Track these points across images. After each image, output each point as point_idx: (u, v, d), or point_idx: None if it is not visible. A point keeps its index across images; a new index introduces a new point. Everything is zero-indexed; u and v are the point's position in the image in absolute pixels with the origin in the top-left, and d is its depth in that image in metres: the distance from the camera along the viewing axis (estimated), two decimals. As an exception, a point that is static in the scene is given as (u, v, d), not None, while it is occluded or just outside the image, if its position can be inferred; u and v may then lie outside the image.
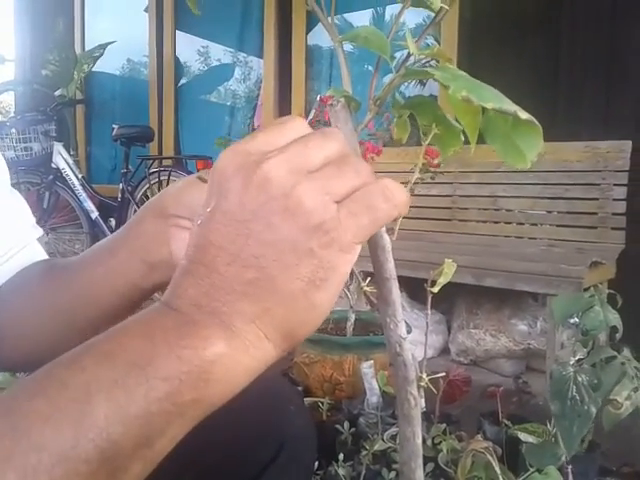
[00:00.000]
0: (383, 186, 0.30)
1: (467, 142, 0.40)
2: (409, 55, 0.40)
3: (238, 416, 0.59)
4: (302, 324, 0.30)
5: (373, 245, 0.40)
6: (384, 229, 0.40)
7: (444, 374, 0.44)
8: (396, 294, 0.41)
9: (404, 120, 0.47)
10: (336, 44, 0.44)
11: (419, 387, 0.44)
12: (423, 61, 0.42)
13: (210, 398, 0.28)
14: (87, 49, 4.49)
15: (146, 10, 4.29)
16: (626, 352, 1.03)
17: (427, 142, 0.44)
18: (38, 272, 0.59)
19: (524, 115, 0.32)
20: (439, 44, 2.82)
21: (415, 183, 0.50)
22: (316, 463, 1.04)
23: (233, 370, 0.29)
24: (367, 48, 0.42)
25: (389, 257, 0.41)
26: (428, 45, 3.15)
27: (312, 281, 0.29)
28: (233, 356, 0.28)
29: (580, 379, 0.83)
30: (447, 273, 0.46)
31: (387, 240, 0.40)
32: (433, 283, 0.46)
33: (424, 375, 0.45)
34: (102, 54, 4.24)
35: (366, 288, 0.43)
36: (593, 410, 0.81)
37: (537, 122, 0.32)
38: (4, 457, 0.25)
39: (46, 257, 0.64)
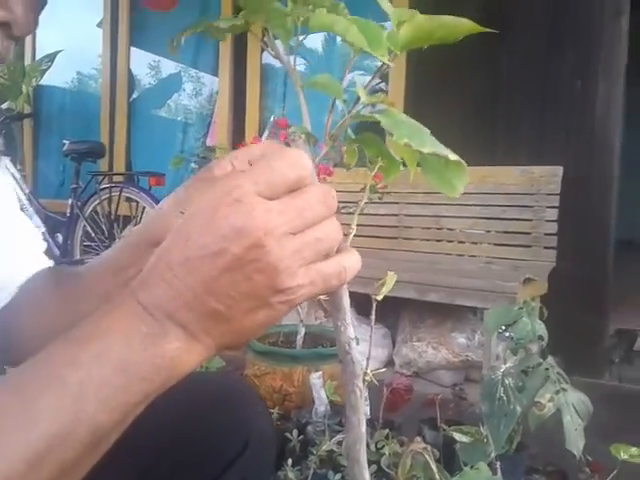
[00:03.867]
0: (342, 267, 0.39)
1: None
2: (359, 99, 0.48)
3: (206, 416, 0.65)
4: (238, 343, 0.39)
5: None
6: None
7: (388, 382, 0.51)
8: (346, 300, 0.48)
9: (354, 150, 0.56)
10: (297, 88, 0.51)
11: (364, 381, 0.51)
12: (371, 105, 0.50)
13: (167, 386, 0.37)
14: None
15: (99, 25, 4.28)
16: (550, 360, 1.14)
17: (374, 172, 0.52)
18: (46, 280, 0.66)
19: (453, 157, 0.41)
20: (387, 82, 2.95)
21: (364, 203, 0.58)
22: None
23: (185, 366, 0.37)
24: (324, 93, 0.50)
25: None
26: (378, 85, 3.29)
27: (261, 323, 0.38)
28: (189, 359, 0.37)
29: (507, 382, 0.93)
30: (389, 284, 0.55)
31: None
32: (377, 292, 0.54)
33: (369, 370, 0.52)
34: (50, 66, 4.19)
35: (320, 297, 0.50)
36: (518, 409, 0.91)
37: (464, 162, 0.41)
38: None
39: (50, 264, 0.70)
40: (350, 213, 0.54)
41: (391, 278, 0.56)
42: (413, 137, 0.41)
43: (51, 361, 0.36)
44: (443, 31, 0.47)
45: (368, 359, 0.56)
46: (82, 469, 0.36)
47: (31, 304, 0.64)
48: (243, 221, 0.35)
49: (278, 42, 0.52)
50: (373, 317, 0.54)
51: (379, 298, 0.55)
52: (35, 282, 0.66)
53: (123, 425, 0.37)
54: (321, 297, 0.49)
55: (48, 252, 0.73)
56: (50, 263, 0.71)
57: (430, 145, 0.41)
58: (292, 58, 0.53)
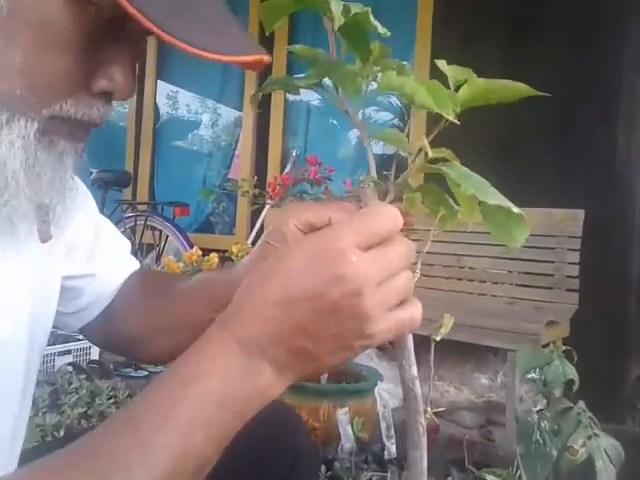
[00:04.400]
0: (413, 316, 0.43)
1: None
2: (420, 151, 0.51)
3: (257, 436, 0.68)
4: (315, 376, 0.44)
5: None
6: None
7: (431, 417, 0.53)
8: (410, 341, 0.51)
9: (412, 199, 0.59)
10: (365, 142, 0.55)
11: (425, 418, 0.54)
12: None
13: (249, 416, 0.40)
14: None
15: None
16: (581, 404, 1.15)
17: (437, 220, 0.55)
18: (137, 281, 0.76)
19: (516, 210, 0.45)
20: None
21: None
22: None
23: (270, 398, 0.41)
24: (392, 145, 0.54)
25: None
26: (391, 104, 3.36)
27: (338, 359, 0.41)
28: (275, 392, 0.41)
29: (543, 425, 0.94)
30: (447, 325, 0.58)
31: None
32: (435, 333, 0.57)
33: (429, 409, 0.54)
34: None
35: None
36: (554, 453, 0.92)
37: (524, 215, 0.45)
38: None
39: (138, 265, 0.79)
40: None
41: (448, 320, 0.59)
42: (479, 190, 0.45)
43: (162, 400, 0.39)
44: (500, 94, 0.51)
45: (428, 397, 0.58)
46: None
47: (127, 303, 0.73)
48: (345, 269, 0.38)
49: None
50: (432, 357, 0.57)
51: (437, 339, 0.57)
52: (129, 282, 0.75)
53: (220, 454, 0.40)
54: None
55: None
56: (138, 264, 0.79)
57: (494, 197, 0.45)
58: (360, 113, 0.57)
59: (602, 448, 1.05)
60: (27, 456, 0.69)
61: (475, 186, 0.46)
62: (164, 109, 4.42)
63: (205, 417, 0.38)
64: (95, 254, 0.73)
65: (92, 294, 0.73)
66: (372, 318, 0.39)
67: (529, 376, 1.47)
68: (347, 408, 1.53)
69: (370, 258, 0.39)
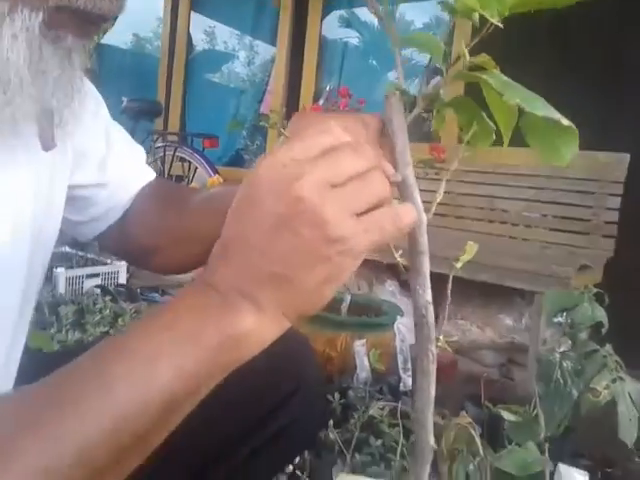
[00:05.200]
0: (394, 213, 0.39)
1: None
2: (458, 58, 0.46)
3: (258, 361, 0.68)
4: (311, 307, 0.39)
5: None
6: (422, 208, 0.47)
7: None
8: (426, 266, 0.48)
9: (442, 115, 0.54)
10: (394, 45, 0.50)
11: (437, 346, 0.51)
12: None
13: (241, 359, 0.38)
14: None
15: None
16: (608, 347, 1.11)
17: (467, 138, 0.51)
18: (154, 191, 0.76)
19: (566, 122, 0.40)
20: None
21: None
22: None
23: (258, 338, 0.38)
24: (422, 51, 0.48)
25: (424, 233, 0.47)
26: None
27: (325, 280, 0.38)
28: (259, 329, 0.38)
29: (565, 365, 0.91)
30: (470, 252, 0.54)
31: (424, 218, 0.47)
32: (456, 261, 0.53)
33: (441, 337, 0.52)
34: (114, 24, 4.24)
35: (399, 259, 0.50)
36: (575, 393, 0.89)
37: (575, 128, 0.40)
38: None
39: (154, 175, 0.79)
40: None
41: (471, 247, 0.55)
42: (526, 99, 0.40)
43: (126, 336, 0.38)
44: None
45: (440, 325, 0.55)
46: (156, 439, 0.37)
47: (140, 213, 0.73)
48: (277, 178, 0.36)
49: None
50: (450, 285, 0.54)
51: (458, 266, 0.54)
52: (143, 193, 0.74)
53: (197, 397, 0.37)
54: (399, 260, 0.48)
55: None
56: (154, 174, 0.78)
57: (542, 108, 0.40)
58: (390, 16, 0.51)
59: (626, 392, 1.02)
60: (41, 360, 0.69)
61: (521, 95, 0.41)
62: (197, 41, 4.32)
63: (172, 349, 0.36)
64: (107, 163, 0.71)
65: (105, 204, 0.72)
66: (331, 219, 0.36)
67: (555, 320, 1.44)
68: (365, 340, 1.53)
69: (309, 165, 0.36)
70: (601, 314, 1.09)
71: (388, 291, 2.32)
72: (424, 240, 0.47)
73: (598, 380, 1.00)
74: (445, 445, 1.04)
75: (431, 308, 0.50)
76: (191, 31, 4.27)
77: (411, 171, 0.47)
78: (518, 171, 2.51)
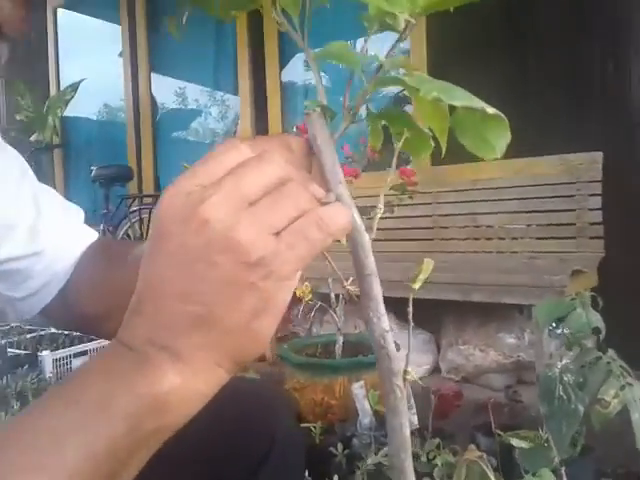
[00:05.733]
0: (317, 217, 0.33)
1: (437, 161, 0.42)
2: (380, 67, 0.42)
3: (232, 415, 0.61)
4: (248, 349, 0.33)
5: (353, 243, 0.42)
6: (363, 227, 0.42)
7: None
8: (377, 289, 0.42)
9: (378, 129, 0.49)
10: (310, 60, 0.45)
11: (404, 380, 0.44)
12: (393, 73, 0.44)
13: (169, 425, 0.32)
14: (62, 94, 4.53)
15: (120, 55, 4.35)
16: (611, 353, 1.05)
17: (399, 146, 0.46)
18: (95, 253, 0.69)
19: (491, 110, 0.34)
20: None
21: (395, 205, 0.52)
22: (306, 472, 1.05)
23: (187, 396, 0.32)
24: (338, 63, 0.44)
25: (369, 254, 0.42)
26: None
27: (254, 313, 0.32)
28: (186, 385, 0.32)
29: (566, 379, 0.84)
30: (425, 270, 0.48)
31: (367, 238, 0.42)
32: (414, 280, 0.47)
33: (409, 369, 0.45)
34: (74, 96, 4.26)
35: (349, 287, 0.44)
36: (581, 408, 0.82)
37: (503, 115, 0.35)
38: None
39: (96, 235, 0.72)
40: (370, 218, 0.48)
41: (427, 264, 0.50)
42: (443, 91, 0.35)
43: (27, 414, 0.33)
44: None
45: (408, 355, 0.49)
46: None
47: (85, 279, 0.66)
48: (181, 206, 0.31)
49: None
50: (410, 309, 0.47)
51: (416, 287, 0.48)
52: (87, 255, 0.68)
53: (128, 471, 0.32)
54: (349, 287, 0.42)
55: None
56: (96, 234, 0.72)
57: (462, 98, 0.35)
58: (302, 32, 0.47)
59: (637, 398, 0.95)
60: None
61: (437, 88, 0.36)
62: (169, 102, 4.35)
63: (75, 425, 0.31)
64: (39, 230, 0.65)
65: (43, 274, 0.66)
66: (247, 242, 0.31)
67: (558, 331, 1.37)
68: (362, 382, 1.45)
69: (214, 186, 0.32)
70: (596, 318, 1.03)
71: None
72: (370, 261, 0.42)
73: (605, 389, 0.93)
74: (456, 484, 0.96)
75: (389, 336, 0.43)
76: (157, 93, 4.30)
77: (345, 189, 0.42)
78: (496, 184, 2.49)
